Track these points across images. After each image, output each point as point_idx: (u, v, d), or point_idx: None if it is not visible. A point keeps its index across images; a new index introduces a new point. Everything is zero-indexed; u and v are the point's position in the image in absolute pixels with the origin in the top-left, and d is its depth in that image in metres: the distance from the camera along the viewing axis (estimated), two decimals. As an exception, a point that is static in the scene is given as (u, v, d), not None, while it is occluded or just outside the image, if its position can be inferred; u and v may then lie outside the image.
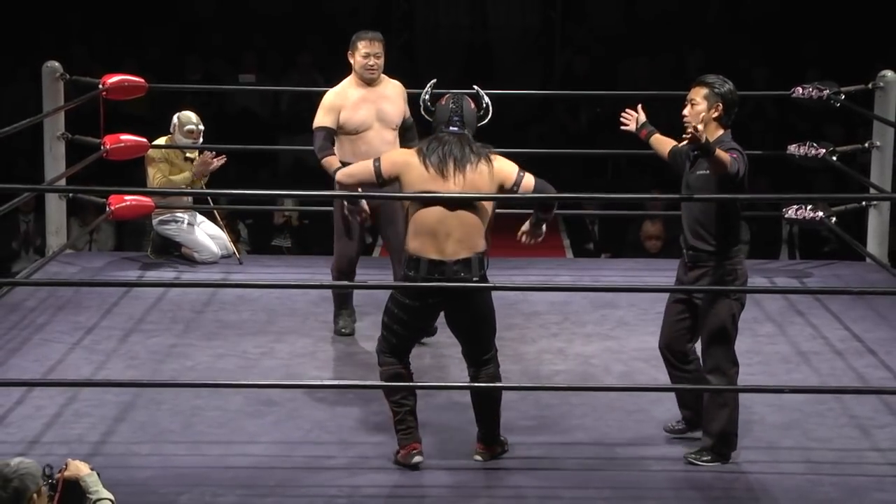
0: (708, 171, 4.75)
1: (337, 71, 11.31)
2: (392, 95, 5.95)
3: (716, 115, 4.82)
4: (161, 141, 7.43)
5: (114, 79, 7.33)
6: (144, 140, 7.41)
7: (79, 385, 5.44)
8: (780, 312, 6.63)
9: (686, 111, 4.86)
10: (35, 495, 3.38)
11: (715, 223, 4.75)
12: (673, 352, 4.96)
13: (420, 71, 12.50)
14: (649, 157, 8.26)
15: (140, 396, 5.36)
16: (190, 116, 7.38)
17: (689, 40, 11.78)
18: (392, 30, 12.62)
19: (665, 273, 7.28)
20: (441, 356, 5.99)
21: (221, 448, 4.95)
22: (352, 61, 5.91)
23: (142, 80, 7.45)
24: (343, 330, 6.22)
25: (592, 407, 5.35)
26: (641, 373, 5.80)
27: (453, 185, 4.67)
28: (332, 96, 5.89)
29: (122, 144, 7.33)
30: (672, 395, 5.37)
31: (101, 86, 7.27)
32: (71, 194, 7.57)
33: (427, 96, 4.89)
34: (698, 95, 4.85)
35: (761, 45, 11.60)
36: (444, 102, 4.79)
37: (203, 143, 7.43)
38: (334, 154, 5.80)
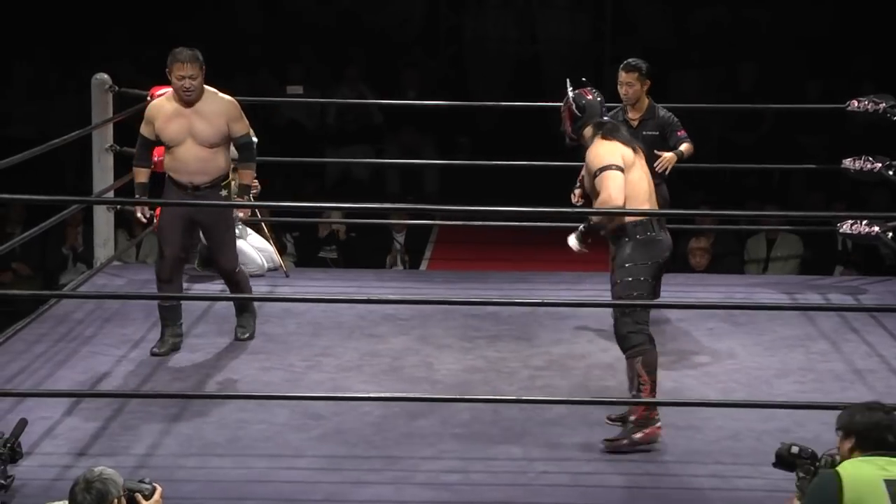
0: (656, 133, 6.34)
1: (384, 83, 11.48)
2: (210, 114, 5.96)
3: (645, 89, 6.39)
4: None
5: (162, 91, 7.34)
6: (192, 152, 7.44)
7: (126, 397, 5.48)
8: (834, 329, 6.58)
9: (623, 92, 6.36)
10: (116, 501, 3.41)
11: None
12: None
13: (468, 84, 12.53)
14: (699, 172, 8.27)
15: (186, 409, 5.39)
16: None
17: (741, 53, 11.72)
18: (440, 42, 12.65)
19: (714, 289, 7.27)
20: (488, 370, 5.99)
21: (267, 462, 4.96)
22: (170, 79, 6.01)
23: (190, 93, 7.48)
24: (155, 350, 6.08)
25: (642, 423, 5.31)
26: (691, 389, 5.76)
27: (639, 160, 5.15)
28: (150, 108, 6.11)
29: (170, 157, 7.37)
30: (722, 410, 5.34)
31: (149, 98, 7.30)
32: (119, 206, 7.62)
33: (574, 94, 5.18)
34: (632, 79, 6.37)
35: (815, 58, 11.52)
36: (591, 97, 5.19)
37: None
38: (145, 167, 6.12)
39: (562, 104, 5.21)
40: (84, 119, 7.56)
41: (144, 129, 6.08)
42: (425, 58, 12.31)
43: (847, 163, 7.41)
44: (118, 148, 7.46)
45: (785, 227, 8.93)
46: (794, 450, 3.75)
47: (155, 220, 6.24)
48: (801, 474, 3.74)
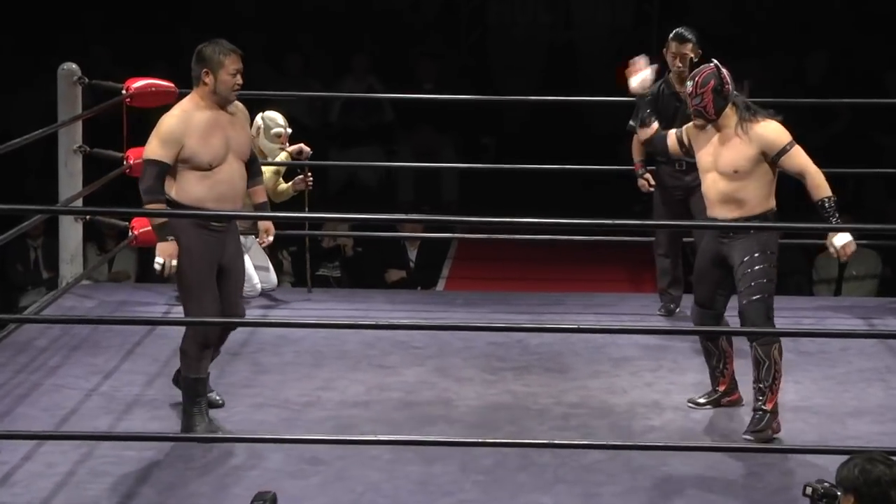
0: None
1: (396, 74, 11.49)
2: (241, 119, 5.65)
3: (696, 59, 6.85)
4: None
5: (139, 83, 7.40)
6: (174, 154, 7.46)
7: (96, 438, 5.47)
8: (919, 361, 6.56)
9: (679, 65, 6.88)
10: None
11: None
12: None
13: (493, 76, 12.54)
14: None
15: (166, 453, 5.39)
16: (276, 118, 7.39)
17: (810, 40, 11.69)
18: (461, 28, 12.67)
19: (778, 313, 7.12)
20: (515, 407, 5.97)
21: (259, 513, 4.95)
22: (207, 80, 5.52)
23: (171, 85, 7.51)
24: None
25: (694, 470, 5.30)
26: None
27: None
28: (173, 123, 5.45)
29: (148, 159, 7.39)
30: (788, 456, 5.31)
31: (124, 91, 7.34)
32: (88, 216, 7.63)
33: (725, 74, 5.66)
34: (688, 49, 6.90)
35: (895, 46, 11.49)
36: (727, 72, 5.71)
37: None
38: (163, 202, 5.45)
39: (694, 81, 5.68)
40: (49, 115, 7.59)
41: (162, 153, 5.41)
42: (444, 45, 12.33)
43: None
44: (88, 149, 7.48)
45: (861, 242, 8.86)
46: (808, 490, 3.81)
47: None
48: None
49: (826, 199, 5.60)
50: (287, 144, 7.44)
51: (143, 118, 9.07)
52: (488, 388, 6.23)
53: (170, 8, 11.96)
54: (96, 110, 7.43)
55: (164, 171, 5.43)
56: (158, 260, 5.42)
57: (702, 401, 5.93)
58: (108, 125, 7.87)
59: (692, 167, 6.87)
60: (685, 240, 7.36)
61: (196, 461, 5.33)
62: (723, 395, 5.91)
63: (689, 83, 5.75)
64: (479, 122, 11.69)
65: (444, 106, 11.08)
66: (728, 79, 5.66)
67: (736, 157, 5.61)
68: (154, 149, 5.45)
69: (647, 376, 6.37)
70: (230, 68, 5.57)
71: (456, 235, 9.07)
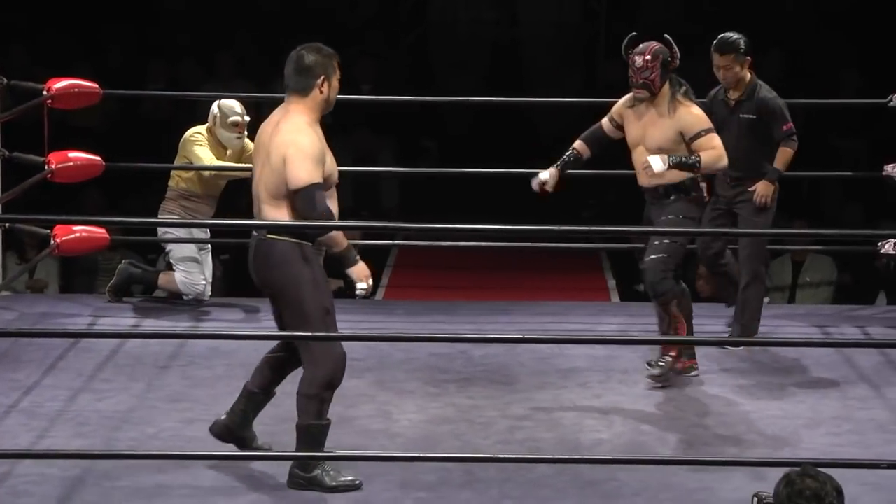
0: (753, 117, 6.82)
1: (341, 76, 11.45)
2: None
3: (747, 66, 6.81)
4: (201, 129, 7.53)
5: (61, 84, 7.38)
6: (98, 158, 7.45)
7: (16, 457, 5.45)
8: (876, 370, 6.62)
9: (721, 77, 6.81)
10: None
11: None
12: None
13: (434, 75, 12.56)
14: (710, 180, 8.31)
15: (91, 471, 5.37)
16: (233, 106, 7.45)
17: (764, 38, 11.79)
18: (400, 25, 12.68)
19: (729, 321, 7.29)
20: (459, 421, 6.00)
21: (190, 534, 4.97)
22: (323, 89, 5.30)
23: (95, 86, 7.50)
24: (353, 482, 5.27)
25: (645, 484, 5.33)
26: (705, 443, 5.79)
27: None
28: (316, 140, 5.19)
29: (71, 164, 7.37)
30: (741, 469, 5.37)
31: (45, 92, 7.32)
32: (7, 224, 7.60)
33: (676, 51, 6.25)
34: (729, 61, 6.78)
35: (853, 45, 11.60)
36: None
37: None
38: None
39: (643, 56, 6.18)
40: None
41: (319, 173, 5.11)
42: (382, 44, 12.35)
43: (890, 169, 7.47)
44: (7, 153, 7.44)
45: (815, 248, 8.97)
46: (754, 501, 3.85)
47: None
48: None
49: (694, 156, 6.14)
50: (245, 133, 7.48)
51: (66, 121, 9.08)
52: (430, 401, 6.26)
53: (92, 4, 11.89)
54: (16, 112, 7.39)
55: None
56: (362, 286, 5.15)
57: (656, 372, 6.35)
58: (29, 128, 7.85)
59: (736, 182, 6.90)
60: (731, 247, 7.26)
61: (122, 479, 5.31)
62: (675, 360, 6.41)
63: (637, 58, 6.22)
64: (420, 124, 11.71)
65: (382, 108, 11.09)
66: (677, 55, 6.21)
67: (661, 137, 6.21)
68: (311, 171, 5.10)
69: (596, 388, 6.41)
70: (338, 74, 5.34)
71: (396, 243, 9.08)
